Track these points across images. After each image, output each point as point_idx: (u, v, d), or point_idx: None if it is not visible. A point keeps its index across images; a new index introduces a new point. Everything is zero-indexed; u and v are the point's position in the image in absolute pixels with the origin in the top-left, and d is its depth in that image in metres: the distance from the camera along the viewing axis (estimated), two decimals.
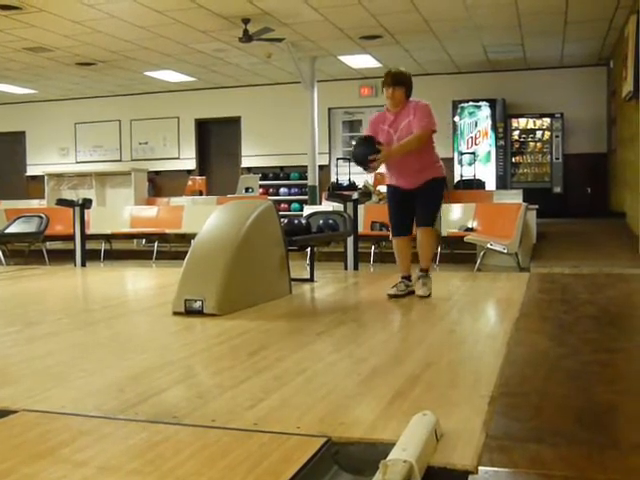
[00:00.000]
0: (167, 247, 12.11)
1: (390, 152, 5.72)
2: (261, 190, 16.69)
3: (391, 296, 5.89)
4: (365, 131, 6.15)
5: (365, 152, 5.77)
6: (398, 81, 5.85)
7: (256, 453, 2.39)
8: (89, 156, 19.34)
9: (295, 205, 17.06)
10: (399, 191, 6.03)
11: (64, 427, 2.72)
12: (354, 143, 6.30)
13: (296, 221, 7.09)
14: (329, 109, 17.46)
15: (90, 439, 2.58)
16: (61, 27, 11.75)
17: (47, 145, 19.67)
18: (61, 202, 10.46)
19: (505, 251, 8.79)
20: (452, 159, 15.97)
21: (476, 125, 16.01)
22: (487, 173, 15.84)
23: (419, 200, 5.92)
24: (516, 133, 16.08)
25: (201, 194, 16.15)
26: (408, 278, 6.02)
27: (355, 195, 8.57)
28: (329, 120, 17.66)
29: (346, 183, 15.58)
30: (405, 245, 6.10)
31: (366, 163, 5.76)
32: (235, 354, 4.02)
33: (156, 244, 11.75)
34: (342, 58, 14.87)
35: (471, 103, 16.00)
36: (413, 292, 5.97)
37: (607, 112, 15.66)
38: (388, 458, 2.12)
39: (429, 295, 5.88)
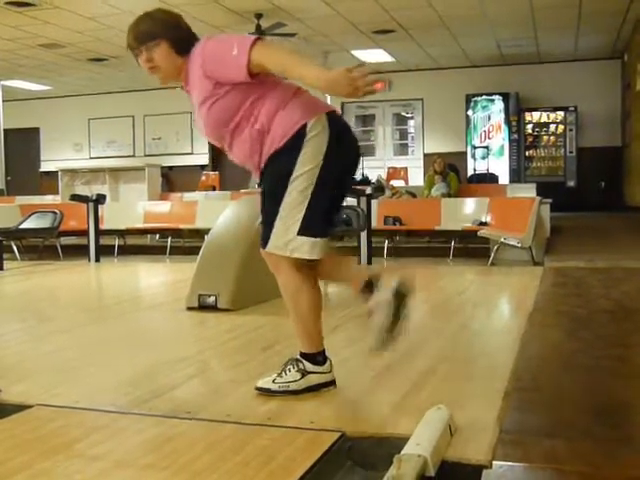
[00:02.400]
0: (181, 242, 12.12)
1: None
2: None
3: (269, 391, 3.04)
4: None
5: None
6: (144, 37, 3.09)
7: (270, 448, 2.39)
8: (103, 152, 19.40)
9: None
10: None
11: (79, 422, 2.73)
12: None
13: None
14: (342, 104, 17.43)
15: (105, 434, 2.59)
16: (75, 23, 11.79)
17: (61, 141, 19.74)
18: (75, 198, 10.48)
19: (519, 245, 8.74)
20: (465, 153, 15.94)
21: (489, 119, 15.96)
22: (500, 167, 15.79)
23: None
24: (530, 127, 16.03)
25: (214, 189, 16.16)
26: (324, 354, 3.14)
27: (368, 190, 8.55)
28: (342, 115, 17.61)
29: (359, 178, 15.56)
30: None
31: None
32: (249, 349, 4.03)
33: (170, 239, 11.75)
34: (355, 53, 14.85)
35: (484, 97, 15.95)
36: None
37: (621, 105, 15.57)
38: (402, 453, 2.12)
39: (283, 391, 3.00)
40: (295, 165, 2.86)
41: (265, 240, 2.98)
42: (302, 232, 2.88)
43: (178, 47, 3.04)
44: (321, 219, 2.94)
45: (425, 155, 16.84)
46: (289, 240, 2.90)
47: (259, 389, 3.00)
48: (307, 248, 2.89)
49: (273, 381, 3.00)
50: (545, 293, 5.80)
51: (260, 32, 11.74)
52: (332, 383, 3.09)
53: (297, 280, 3.02)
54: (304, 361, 3.04)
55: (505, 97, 15.81)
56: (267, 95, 2.91)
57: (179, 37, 3.07)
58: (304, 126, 2.87)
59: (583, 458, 2.26)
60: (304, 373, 3.02)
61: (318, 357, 3.07)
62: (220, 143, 3.09)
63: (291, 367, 3.03)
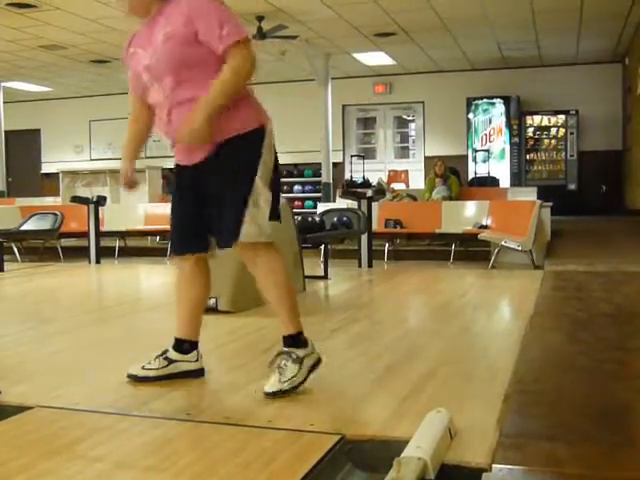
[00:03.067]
0: None
1: (191, 122, 2.96)
2: None
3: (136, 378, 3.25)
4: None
5: None
6: None
7: (270, 450, 2.39)
8: (103, 153, 19.40)
9: (309, 202, 17.05)
10: (183, 171, 3.27)
11: (79, 423, 2.74)
12: None
13: (310, 218, 7.11)
14: (343, 106, 17.45)
15: (105, 435, 2.59)
16: (76, 25, 11.80)
17: (62, 143, 19.75)
18: (76, 199, 10.50)
19: (519, 248, 8.75)
20: (466, 156, 15.95)
21: (490, 122, 15.97)
22: (501, 170, 15.79)
23: (214, 189, 3.12)
24: (530, 130, 16.04)
25: None
26: (181, 346, 3.32)
27: (369, 192, 8.56)
28: (343, 117, 17.65)
29: (360, 180, 15.56)
30: (191, 277, 3.34)
31: None
32: (249, 351, 4.03)
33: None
34: (356, 55, 14.86)
35: (485, 100, 15.96)
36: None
37: (622, 109, 15.58)
38: (402, 455, 2.12)
39: (293, 387, 3.04)
40: (258, 164, 3.04)
41: (234, 233, 3.02)
42: (271, 217, 3.07)
43: None
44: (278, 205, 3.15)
45: (426, 158, 16.84)
46: (261, 225, 3.04)
47: (271, 394, 2.99)
48: (265, 230, 3.07)
49: (279, 382, 3.01)
50: (545, 296, 5.80)
51: (262, 34, 11.75)
52: (320, 360, 3.17)
53: (280, 258, 3.17)
54: (294, 349, 3.09)
55: (506, 100, 15.81)
56: None
57: None
58: (263, 127, 3.15)
59: (583, 461, 2.27)
60: (300, 362, 3.07)
61: (302, 337, 3.16)
62: (157, 87, 3.09)
63: (285, 362, 3.06)
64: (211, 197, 3.11)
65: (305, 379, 3.07)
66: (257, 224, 3.02)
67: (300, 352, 3.09)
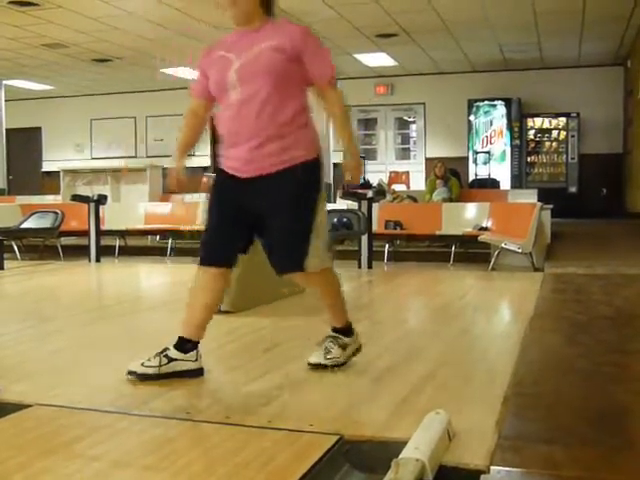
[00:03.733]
0: (181, 244, 12.13)
1: (353, 168, 3.39)
2: None
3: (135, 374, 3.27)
4: (197, 66, 3.51)
5: None
6: None
7: (269, 450, 2.39)
8: (104, 152, 19.40)
9: None
10: (229, 180, 3.29)
11: (78, 422, 2.74)
12: None
13: None
14: None
15: (104, 434, 2.59)
16: (78, 23, 11.79)
17: (63, 141, 19.75)
18: (76, 198, 10.50)
19: (519, 251, 8.75)
20: (467, 158, 15.95)
21: (491, 124, 15.96)
22: (502, 172, 15.79)
23: (271, 214, 3.23)
24: (531, 132, 16.04)
25: None
26: (183, 345, 3.34)
27: (370, 194, 8.55)
28: None
29: (361, 182, 15.56)
30: (208, 286, 3.38)
31: None
32: (249, 351, 4.03)
33: (170, 241, 11.77)
34: (358, 56, 14.86)
35: (486, 102, 15.95)
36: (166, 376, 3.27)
37: (623, 112, 15.58)
38: (400, 457, 2.12)
39: (334, 365, 3.44)
40: (319, 194, 3.26)
41: (298, 265, 3.21)
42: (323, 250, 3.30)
43: (263, 3, 3.33)
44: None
45: (427, 159, 16.83)
46: (324, 256, 3.29)
47: (313, 365, 3.43)
48: (328, 262, 3.38)
49: (324, 358, 3.43)
50: (545, 299, 5.80)
51: None
52: (360, 347, 3.58)
53: (333, 273, 3.48)
54: (340, 336, 3.48)
55: (507, 102, 15.81)
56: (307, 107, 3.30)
57: None
58: (319, 157, 3.29)
59: (581, 464, 2.27)
60: (344, 347, 3.48)
61: (349, 328, 3.55)
62: (238, 91, 3.19)
63: (331, 344, 3.47)
64: (268, 219, 3.22)
65: (345, 362, 3.47)
66: (319, 256, 3.23)
67: (346, 340, 3.50)
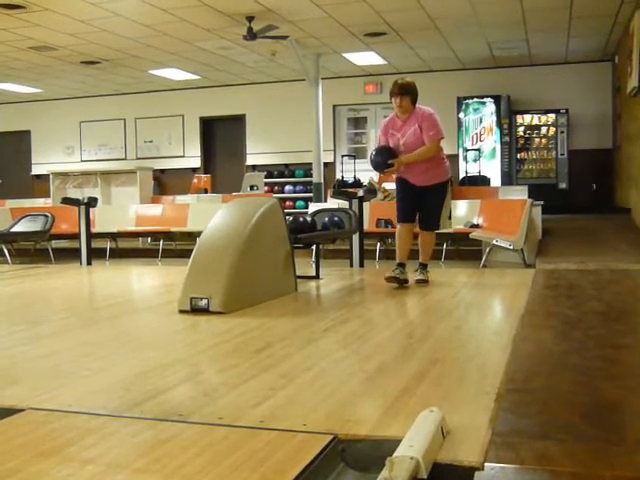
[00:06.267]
0: (172, 245, 12.12)
1: (401, 161, 6.35)
2: (266, 188, 16.71)
3: (390, 279, 6.29)
4: (379, 133, 6.71)
5: (384, 158, 6.46)
6: (406, 91, 6.33)
7: (262, 451, 2.39)
8: (94, 155, 19.38)
9: (300, 203, 17.07)
10: (408, 184, 6.53)
11: (70, 425, 2.72)
12: (373, 152, 6.74)
13: (301, 219, 7.09)
14: (334, 106, 17.46)
15: (96, 437, 2.58)
16: (66, 26, 11.77)
17: (52, 144, 19.72)
18: (66, 201, 10.48)
19: (511, 247, 8.77)
20: (457, 155, 15.97)
21: (481, 121, 16.00)
22: (492, 169, 15.82)
23: (425, 203, 6.55)
24: (521, 129, 16.07)
25: (206, 192, 16.17)
26: (403, 266, 6.38)
27: (360, 192, 8.56)
28: (334, 117, 17.67)
29: (351, 180, 15.57)
30: (407, 233, 6.56)
31: (383, 167, 6.53)
32: (241, 352, 4.02)
33: (161, 242, 11.76)
34: (346, 55, 14.87)
35: (476, 99, 15.99)
36: (406, 281, 6.36)
37: (612, 108, 15.63)
38: (394, 455, 2.12)
39: (427, 281, 6.49)
40: (446, 196, 6.86)
41: (432, 225, 6.60)
42: (449, 217, 7.78)
43: (413, 100, 6.40)
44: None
45: None
46: (443, 224, 6.87)
47: (420, 280, 6.48)
48: (450, 223, 7.92)
49: (424, 275, 6.51)
50: (537, 295, 5.81)
51: (252, 35, 11.74)
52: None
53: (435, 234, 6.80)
54: (425, 268, 6.61)
55: (496, 100, 15.84)
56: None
57: (415, 97, 6.41)
58: (450, 179, 6.78)
59: (575, 459, 2.27)
60: (427, 272, 6.60)
61: (428, 264, 6.69)
62: (407, 150, 6.37)
63: (424, 271, 6.55)
64: (425, 207, 6.55)
65: (428, 280, 6.53)
66: (437, 223, 6.66)
67: (428, 269, 6.64)
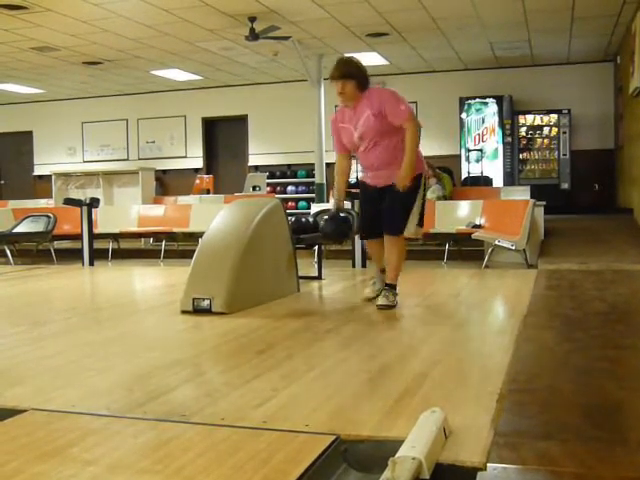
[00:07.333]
0: (175, 246, 12.12)
1: (403, 178, 5.11)
2: (268, 188, 16.69)
3: (366, 300, 5.56)
4: (332, 132, 5.58)
5: (339, 229, 5.92)
6: (349, 73, 5.18)
7: (265, 451, 2.39)
8: (96, 155, 19.38)
9: (302, 203, 17.05)
10: (368, 188, 5.41)
11: (73, 426, 2.73)
12: (324, 220, 6.02)
13: (303, 219, 7.09)
14: (336, 107, 17.43)
15: (99, 438, 2.58)
16: (68, 26, 11.77)
17: (54, 145, 19.72)
18: (69, 201, 10.48)
19: (513, 248, 8.77)
20: (459, 156, 15.97)
21: (483, 122, 15.98)
22: (494, 170, 15.80)
23: (387, 202, 5.26)
24: (523, 129, 16.05)
25: (208, 193, 16.17)
26: (384, 271, 5.51)
27: None
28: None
29: (353, 181, 15.56)
30: (379, 248, 5.52)
31: (342, 240, 6.39)
32: (243, 352, 4.02)
33: (164, 243, 11.76)
34: (349, 56, 14.83)
35: (478, 100, 15.96)
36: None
37: (614, 108, 15.62)
38: (397, 455, 2.12)
39: (392, 306, 5.23)
40: (419, 191, 5.24)
41: (398, 229, 5.24)
42: (419, 224, 5.29)
43: (359, 85, 5.27)
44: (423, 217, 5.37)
45: None
46: (415, 227, 5.26)
47: (381, 306, 5.21)
48: (419, 232, 5.37)
49: (387, 300, 5.23)
50: (539, 295, 5.81)
51: (254, 35, 11.74)
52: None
53: (405, 242, 5.44)
54: (392, 289, 5.31)
55: (499, 100, 15.83)
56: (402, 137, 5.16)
57: (362, 81, 5.30)
58: (422, 172, 5.27)
59: (577, 460, 2.27)
60: (395, 295, 5.32)
61: (396, 285, 5.38)
62: (364, 144, 5.24)
63: (388, 294, 5.28)
64: (386, 206, 5.26)
65: (395, 305, 5.27)
66: (412, 227, 5.25)
67: (394, 290, 5.33)
